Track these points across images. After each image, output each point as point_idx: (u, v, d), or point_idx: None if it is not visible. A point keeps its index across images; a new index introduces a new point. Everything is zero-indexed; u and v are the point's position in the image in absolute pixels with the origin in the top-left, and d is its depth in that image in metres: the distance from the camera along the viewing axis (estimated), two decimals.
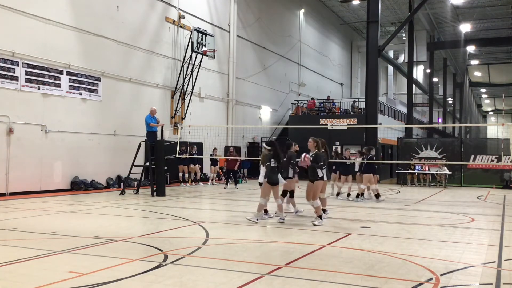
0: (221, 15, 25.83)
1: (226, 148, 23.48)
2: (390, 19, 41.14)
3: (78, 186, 17.09)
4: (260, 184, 10.96)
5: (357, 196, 15.38)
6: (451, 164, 23.56)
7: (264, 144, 11.02)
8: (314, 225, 9.79)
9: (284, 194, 11.31)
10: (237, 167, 20.89)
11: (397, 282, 5.55)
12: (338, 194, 16.43)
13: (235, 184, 20.66)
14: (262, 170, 10.75)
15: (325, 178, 10.55)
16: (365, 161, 15.30)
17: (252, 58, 28.83)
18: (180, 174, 20.91)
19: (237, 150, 23.42)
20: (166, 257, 6.65)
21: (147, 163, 16.31)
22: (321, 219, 10.03)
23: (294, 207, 11.63)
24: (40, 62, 15.93)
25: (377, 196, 15.37)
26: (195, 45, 21.31)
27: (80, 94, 17.45)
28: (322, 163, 10.01)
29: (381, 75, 45.93)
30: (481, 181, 23.85)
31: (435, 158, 24.33)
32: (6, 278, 5.53)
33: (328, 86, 40.10)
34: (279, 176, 10.48)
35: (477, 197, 17.76)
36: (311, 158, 10.02)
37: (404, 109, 39.86)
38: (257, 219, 10.20)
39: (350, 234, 8.89)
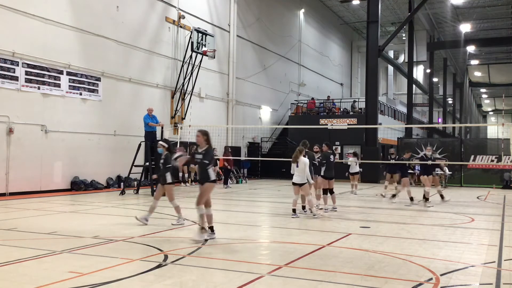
0: (221, 15, 25.82)
1: (226, 148, 23.46)
2: (390, 19, 41.14)
3: (78, 186, 17.09)
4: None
5: (426, 200, 14.18)
6: (451, 164, 23.54)
7: (160, 142, 10.36)
8: (205, 240, 7.86)
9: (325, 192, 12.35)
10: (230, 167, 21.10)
11: (397, 282, 5.55)
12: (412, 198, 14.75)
13: (227, 183, 20.64)
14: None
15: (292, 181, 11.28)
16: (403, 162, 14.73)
17: (252, 58, 28.83)
18: (180, 174, 20.90)
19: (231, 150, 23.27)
20: (166, 257, 6.65)
21: (147, 163, 16.30)
22: (212, 231, 8.15)
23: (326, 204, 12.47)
24: (40, 62, 15.92)
25: (412, 199, 14.34)
26: (195, 45, 21.30)
27: (80, 94, 17.44)
28: (212, 161, 8.24)
29: (381, 75, 45.93)
30: (481, 181, 23.84)
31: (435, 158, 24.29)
32: (6, 278, 5.53)
33: (328, 86, 40.09)
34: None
35: (477, 197, 17.76)
36: (201, 156, 8.15)
37: (404, 109, 39.86)
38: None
39: (350, 234, 8.89)
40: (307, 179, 11.00)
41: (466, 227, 10.14)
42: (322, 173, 12.26)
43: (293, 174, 11.20)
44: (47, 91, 16.17)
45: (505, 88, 60.05)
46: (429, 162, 14.09)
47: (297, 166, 10.94)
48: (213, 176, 8.18)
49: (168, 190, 9.88)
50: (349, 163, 18.62)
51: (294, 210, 11.15)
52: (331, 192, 12.46)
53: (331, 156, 12.48)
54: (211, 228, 8.19)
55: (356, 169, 18.20)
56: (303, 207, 11.95)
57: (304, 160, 10.96)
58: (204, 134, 8.27)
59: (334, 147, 27.19)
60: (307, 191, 11.11)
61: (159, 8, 21.33)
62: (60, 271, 5.81)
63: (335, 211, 12.26)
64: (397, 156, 15.74)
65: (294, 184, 11.08)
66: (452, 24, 42.00)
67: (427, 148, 14.79)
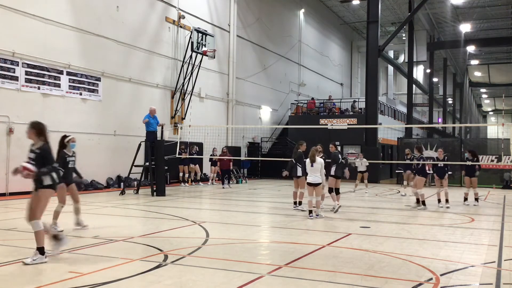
0: (221, 15, 25.82)
1: (222, 148, 23.43)
2: (390, 19, 41.13)
3: (78, 186, 17.02)
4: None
5: (417, 202, 13.74)
6: (451, 164, 23.50)
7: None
8: (25, 264, 6.03)
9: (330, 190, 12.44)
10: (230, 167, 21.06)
11: (397, 282, 5.55)
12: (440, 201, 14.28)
13: (224, 184, 20.58)
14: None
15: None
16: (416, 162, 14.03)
17: (252, 58, 28.82)
18: (180, 174, 20.90)
19: (230, 150, 23.13)
20: (166, 257, 6.65)
21: (147, 163, 16.31)
22: (41, 253, 6.18)
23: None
24: (40, 62, 15.92)
25: (418, 201, 13.70)
26: (195, 45, 21.30)
27: (80, 94, 17.44)
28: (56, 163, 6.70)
29: (381, 75, 45.91)
30: (481, 181, 23.76)
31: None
32: (6, 278, 5.53)
33: (328, 86, 40.10)
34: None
35: None
36: (34, 155, 6.34)
37: (404, 109, 39.84)
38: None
39: (350, 234, 8.89)
40: (322, 179, 11.09)
41: (466, 227, 10.14)
42: (332, 173, 12.37)
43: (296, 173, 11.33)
44: (47, 91, 16.17)
45: (505, 88, 60.05)
46: (441, 163, 13.85)
47: (312, 166, 10.94)
48: (48, 180, 6.34)
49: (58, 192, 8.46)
50: (357, 163, 19.03)
51: (310, 212, 10.95)
52: (337, 192, 12.43)
53: (339, 156, 12.68)
54: (41, 249, 6.20)
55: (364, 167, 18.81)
56: (300, 203, 11.99)
57: (319, 161, 11.00)
58: (34, 126, 6.32)
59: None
60: (320, 191, 11.16)
61: (159, 8, 21.33)
62: (60, 271, 5.81)
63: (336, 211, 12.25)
64: (412, 156, 15.65)
65: (309, 184, 11.05)
66: (452, 24, 42.00)
67: (439, 151, 14.47)
